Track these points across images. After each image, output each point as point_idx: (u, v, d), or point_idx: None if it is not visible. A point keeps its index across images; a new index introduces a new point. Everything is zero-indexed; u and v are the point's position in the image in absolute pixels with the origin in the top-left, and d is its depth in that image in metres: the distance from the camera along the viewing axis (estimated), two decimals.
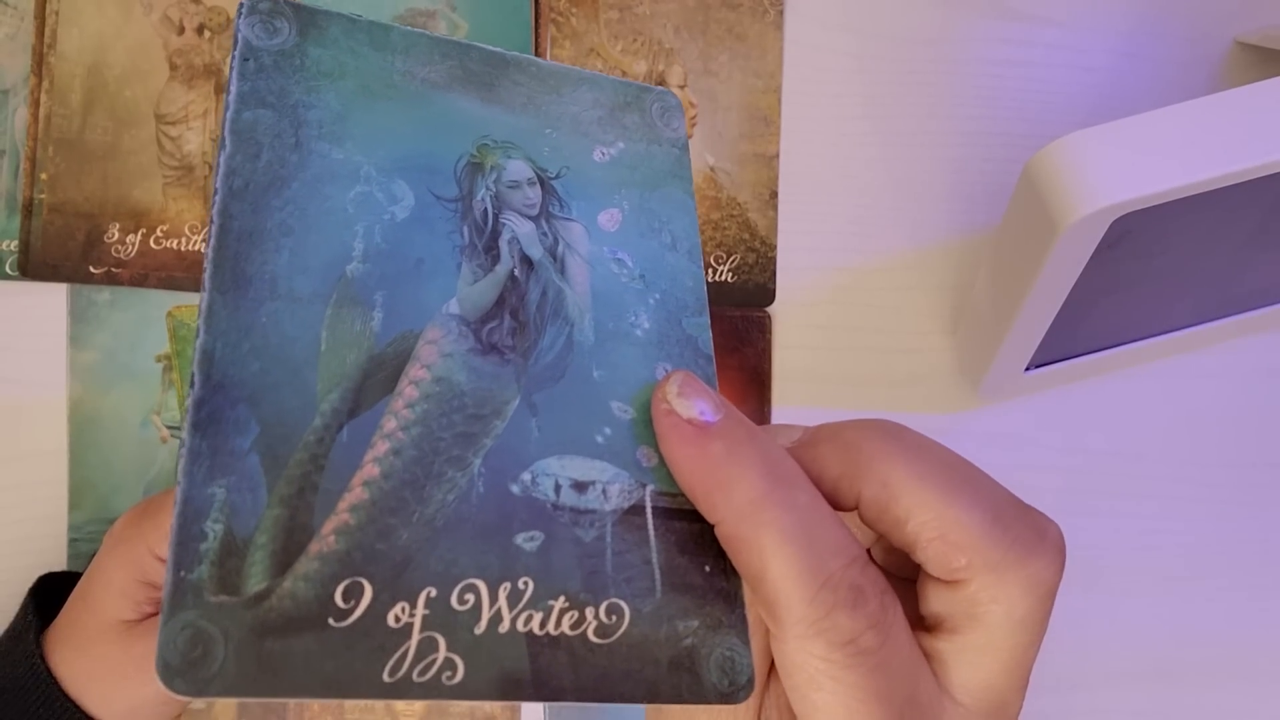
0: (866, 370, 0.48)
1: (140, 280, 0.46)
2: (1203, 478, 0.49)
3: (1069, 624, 0.49)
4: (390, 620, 0.19)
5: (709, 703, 0.22)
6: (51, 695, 0.39)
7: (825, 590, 0.22)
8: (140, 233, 0.46)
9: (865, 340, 0.48)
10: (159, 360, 0.46)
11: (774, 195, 0.48)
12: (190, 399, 0.20)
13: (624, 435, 0.23)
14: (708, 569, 0.23)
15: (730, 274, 0.48)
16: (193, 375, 0.20)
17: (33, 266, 0.45)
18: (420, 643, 0.19)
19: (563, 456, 0.22)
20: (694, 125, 0.48)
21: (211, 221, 0.21)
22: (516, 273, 0.24)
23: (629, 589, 0.22)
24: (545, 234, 0.25)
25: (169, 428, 0.46)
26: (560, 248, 0.25)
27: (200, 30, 0.46)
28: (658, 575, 0.22)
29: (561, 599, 0.21)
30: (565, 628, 0.21)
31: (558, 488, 0.22)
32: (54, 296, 0.46)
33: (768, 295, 0.48)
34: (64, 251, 0.45)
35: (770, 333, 0.48)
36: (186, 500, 0.19)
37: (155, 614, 0.41)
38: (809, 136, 0.48)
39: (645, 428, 0.23)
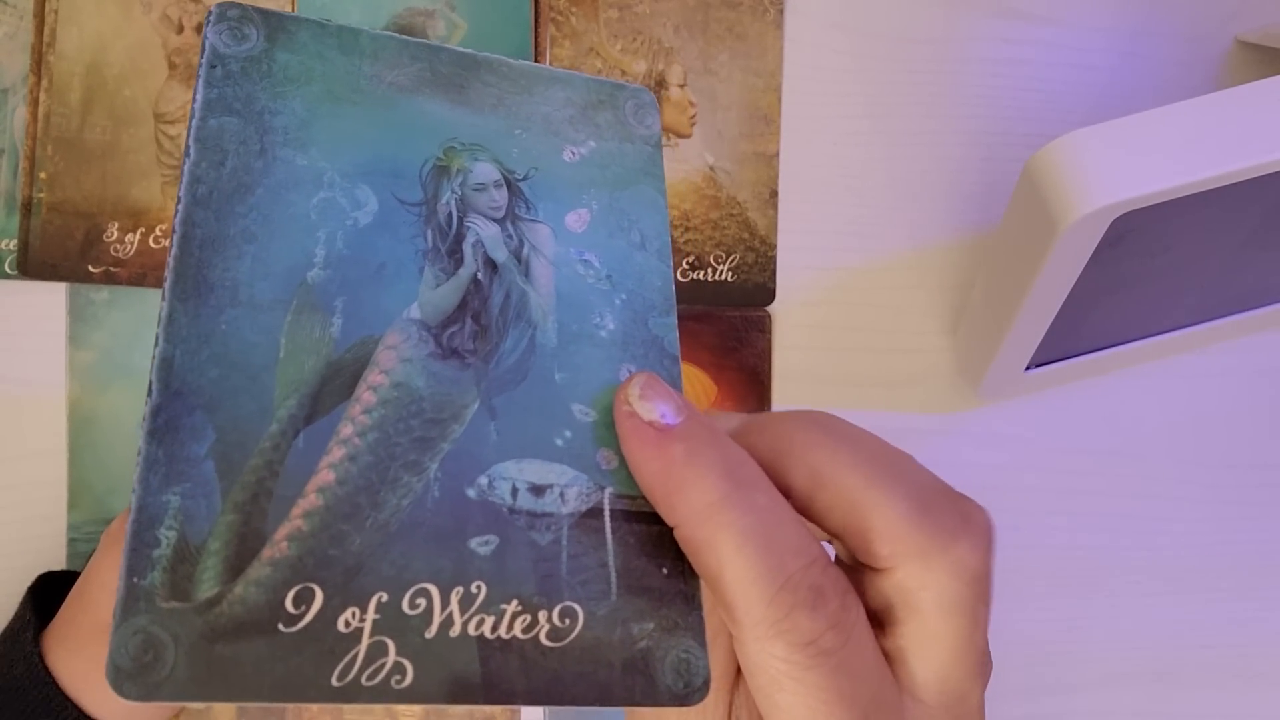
0: (866, 370, 0.48)
1: (139, 279, 0.46)
2: (1203, 478, 0.49)
3: (1069, 624, 0.49)
4: (340, 625, 0.19)
5: (663, 705, 0.22)
6: (49, 695, 0.39)
7: (784, 591, 0.22)
8: (139, 232, 0.46)
9: (865, 340, 0.48)
10: None
11: (774, 195, 0.48)
12: (148, 406, 0.20)
13: (584, 438, 0.23)
14: (665, 571, 0.23)
15: (730, 273, 0.48)
16: (150, 383, 0.20)
17: (31, 265, 0.45)
18: (369, 647, 0.19)
19: (521, 460, 0.22)
20: (694, 125, 0.48)
21: (174, 231, 0.21)
22: (480, 276, 0.24)
23: (584, 591, 0.22)
24: (510, 236, 0.25)
25: None
26: (525, 250, 0.25)
27: (199, 29, 0.46)
28: (614, 578, 0.22)
29: (514, 603, 0.21)
30: (517, 631, 0.21)
31: (514, 491, 0.22)
32: (53, 296, 0.46)
33: (767, 295, 0.48)
34: (63, 250, 0.45)
35: (770, 332, 0.48)
36: (141, 508, 0.19)
37: None
38: (809, 136, 0.48)
39: (607, 430, 0.23)
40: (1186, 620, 0.49)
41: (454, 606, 0.20)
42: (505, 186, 0.25)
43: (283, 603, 0.19)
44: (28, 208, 0.45)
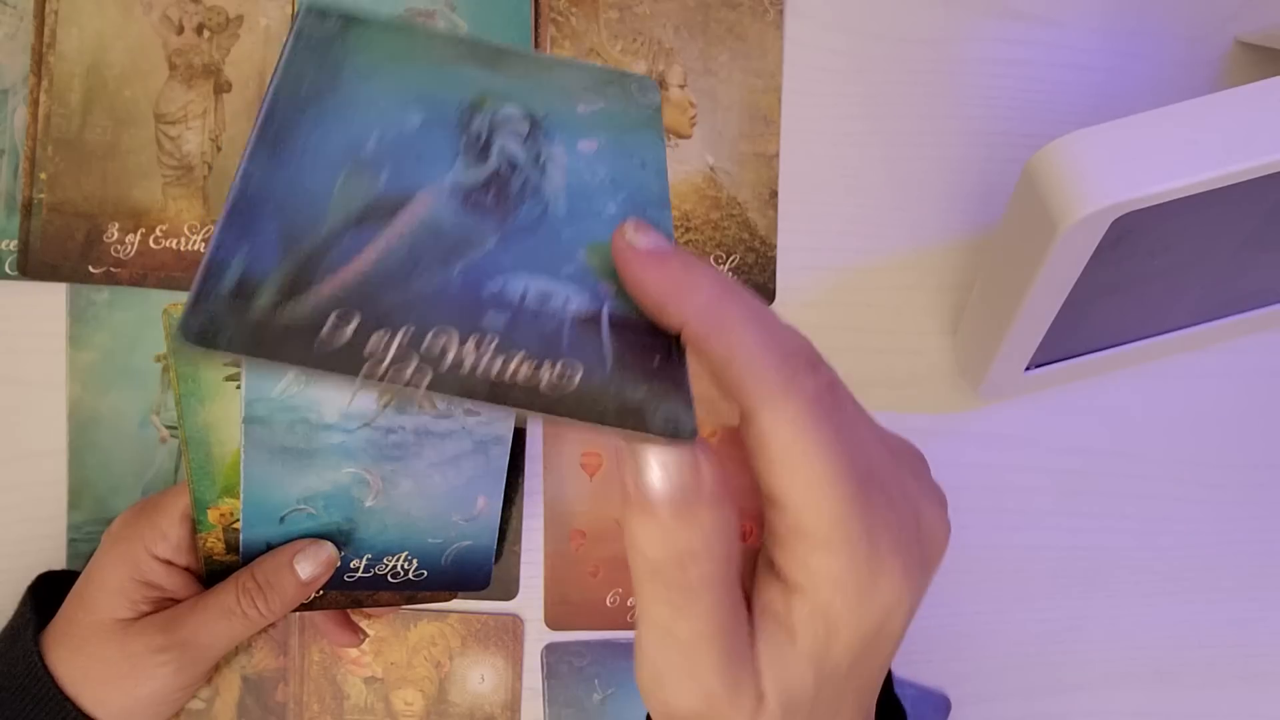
0: (866, 370, 0.48)
1: (139, 280, 0.46)
2: (1203, 478, 0.49)
3: (1070, 624, 0.49)
4: (373, 339, 0.24)
5: (653, 435, 0.25)
6: (48, 693, 0.39)
7: (791, 357, 0.25)
8: (139, 232, 0.46)
9: (865, 340, 0.48)
10: (158, 360, 0.46)
11: (774, 195, 0.48)
12: (229, 198, 0.25)
13: (587, 273, 0.28)
14: (656, 363, 0.27)
15: (730, 274, 0.48)
16: (233, 185, 0.26)
17: (32, 266, 0.45)
18: (396, 354, 0.24)
19: (533, 274, 0.28)
20: (694, 125, 0.48)
21: (261, 111, 0.27)
22: (502, 170, 0.30)
23: (583, 361, 0.26)
24: (530, 148, 0.31)
25: (168, 428, 0.46)
26: (543, 158, 0.31)
27: (200, 30, 0.46)
28: (609, 360, 0.27)
29: (522, 353, 0.26)
30: (522, 376, 0.26)
31: (524, 293, 0.27)
32: (53, 296, 0.46)
33: (767, 295, 0.48)
34: (63, 251, 0.45)
35: None
36: (217, 246, 0.24)
37: (151, 613, 0.41)
38: (809, 136, 0.48)
39: (607, 271, 0.28)
40: (1187, 620, 0.49)
41: (469, 347, 0.26)
42: (528, 120, 0.31)
43: (325, 317, 0.24)
44: (28, 208, 0.45)
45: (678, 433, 0.26)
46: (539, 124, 0.32)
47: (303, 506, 0.40)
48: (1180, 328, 0.45)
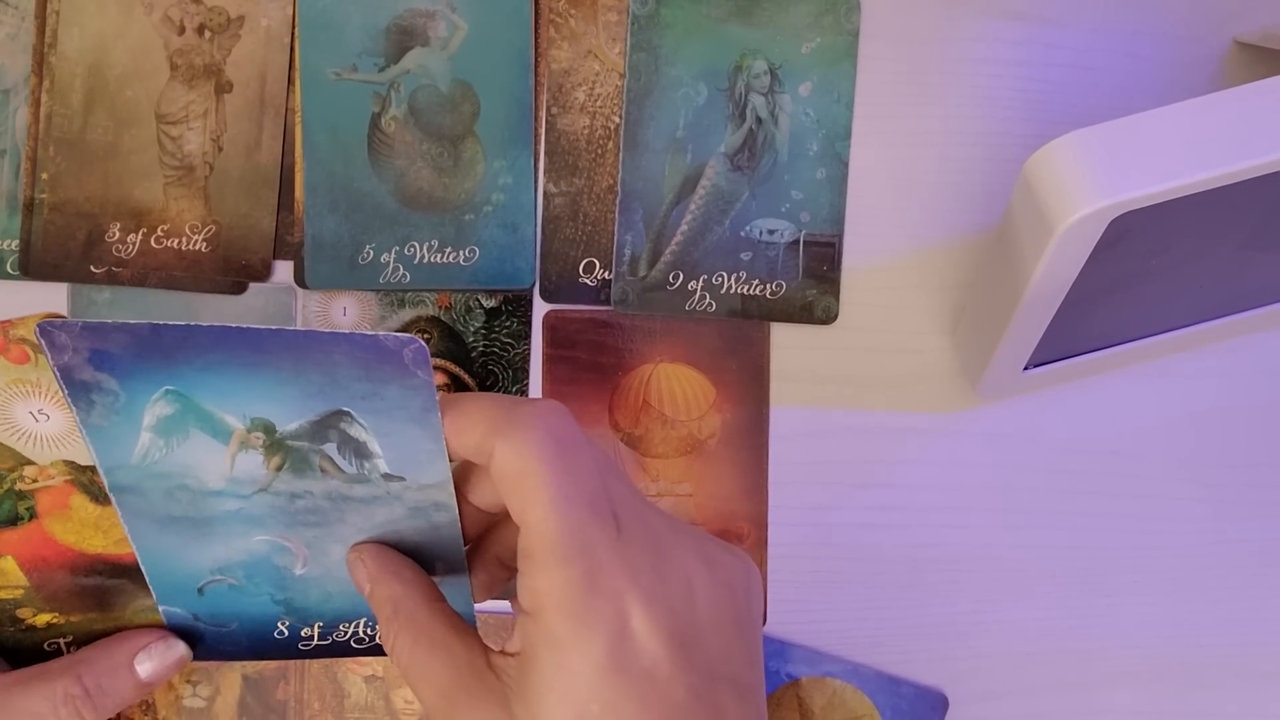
0: (866, 370, 0.48)
1: (141, 280, 0.46)
2: (1203, 478, 0.49)
3: (1069, 624, 0.49)
4: (688, 286, 0.46)
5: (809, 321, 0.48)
6: None
7: (530, 413, 0.30)
8: (141, 232, 0.46)
9: (864, 340, 0.48)
10: None
11: None
12: (618, 199, 0.46)
13: (797, 206, 0.47)
14: (825, 269, 0.47)
15: None
16: (618, 188, 0.46)
17: (33, 266, 0.45)
18: (700, 290, 0.46)
19: (765, 215, 0.46)
20: None
21: (622, 116, 0.46)
22: (753, 127, 0.46)
23: (785, 280, 0.47)
24: (769, 102, 0.46)
25: None
26: (776, 109, 0.46)
27: (201, 30, 0.46)
28: (800, 273, 0.47)
29: (757, 279, 0.46)
30: (755, 293, 0.47)
31: (761, 232, 0.46)
32: (55, 296, 0.46)
33: None
34: (65, 251, 0.45)
35: (770, 333, 0.48)
36: (620, 244, 0.46)
37: None
38: None
39: (808, 204, 0.46)
40: (1186, 620, 0.49)
41: (732, 280, 0.46)
42: (769, 72, 0.46)
43: (668, 277, 0.46)
44: (29, 208, 0.45)
45: (826, 318, 0.47)
46: (776, 74, 0.45)
47: (220, 577, 0.36)
48: (1179, 327, 0.45)
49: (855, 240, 0.48)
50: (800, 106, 0.45)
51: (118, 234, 0.46)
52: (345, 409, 0.31)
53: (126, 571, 0.41)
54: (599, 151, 0.47)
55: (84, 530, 0.41)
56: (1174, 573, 0.49)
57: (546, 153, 0.47)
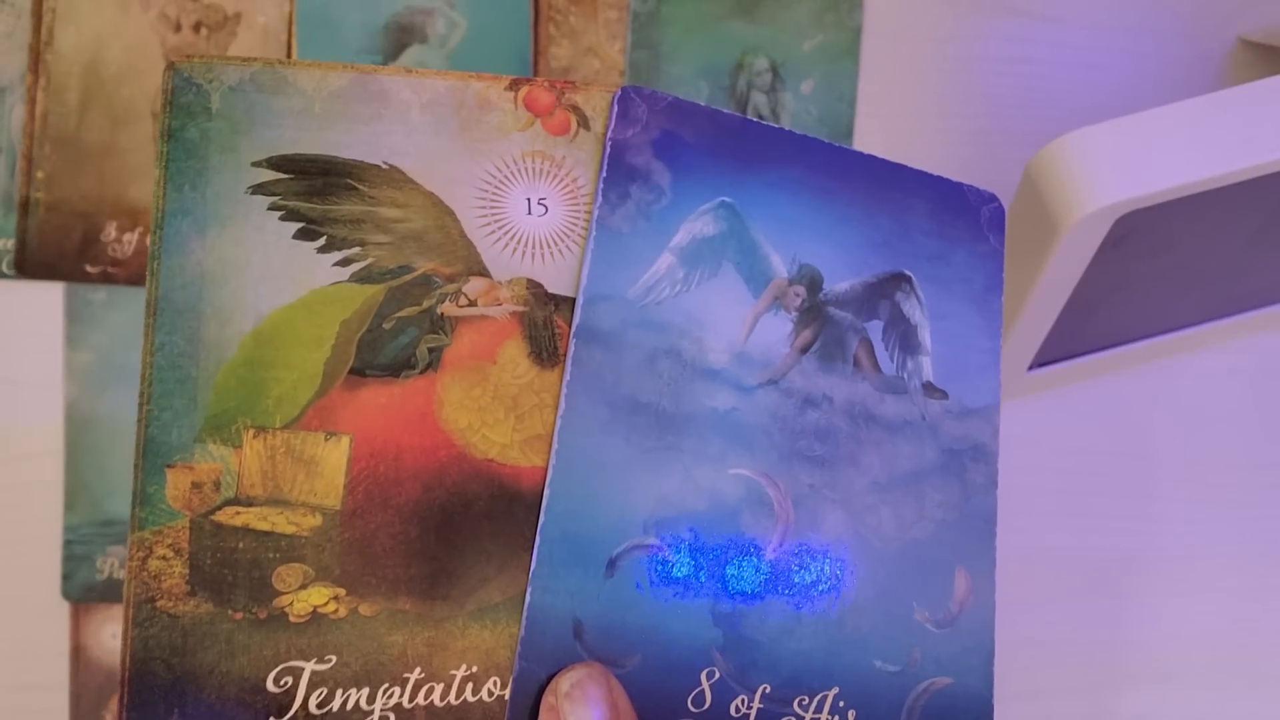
0: None
1: (137, 279, 0.46)
2: (1207, 478, 0.49)
3: (1071, 625, 0.48)
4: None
5: None
6: None
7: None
8: (137, 231, 0.45)
9: None
10: None
11: None
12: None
13: None
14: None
15: None
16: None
17: (29, 265, 0.45)
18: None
19: None
20: None
21: None
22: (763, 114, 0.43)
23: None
24: (771, 100, 0.44)
25: None
26: (778, 107, 0.44)
27: (197, 28, 0.46)
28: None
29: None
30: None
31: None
32: (50, 295, 0.46)
33: None
34: (60, 250, 0.45)
35: None
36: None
37: None
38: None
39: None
40: (1189, 621, 0.49)
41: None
42: (771, 69, 0.43)
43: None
44: (25, 207, 0.45)
45: None
46: (778, 72, 0.42)
47: (652, 542, 0.23)
48: (1184, 327, 0.45)
49: None
50: (802, 104, 0.45)
51: (114, 233, 0.45)
52: (907, 272, 0.26)
53: (500, 516, 0.24)
54: None
55: (489, 408, 0.25)
56: (1177, 573, 0.49)
57: None
